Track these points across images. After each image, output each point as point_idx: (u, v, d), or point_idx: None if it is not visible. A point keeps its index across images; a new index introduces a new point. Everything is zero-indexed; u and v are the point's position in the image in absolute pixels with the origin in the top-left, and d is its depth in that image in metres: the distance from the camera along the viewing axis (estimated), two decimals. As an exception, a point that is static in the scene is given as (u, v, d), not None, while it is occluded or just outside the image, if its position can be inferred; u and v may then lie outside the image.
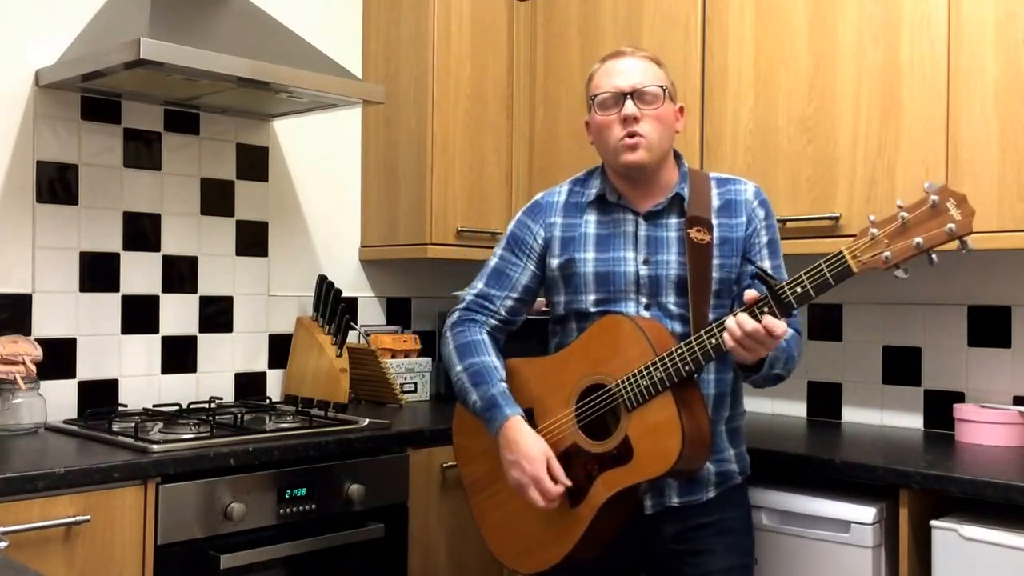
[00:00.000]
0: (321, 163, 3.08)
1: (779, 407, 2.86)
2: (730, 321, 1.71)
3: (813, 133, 2.42)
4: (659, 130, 1.92)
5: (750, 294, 1.72)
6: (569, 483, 1.84)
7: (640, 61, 1.95)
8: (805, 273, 1.69)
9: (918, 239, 1.61)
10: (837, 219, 2.35)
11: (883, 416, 2.66)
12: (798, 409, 2.82)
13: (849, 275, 1.66)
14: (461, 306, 2.06)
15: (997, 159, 2.15)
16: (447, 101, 2.96)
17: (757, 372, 1.82)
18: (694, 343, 1.76)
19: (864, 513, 2.04)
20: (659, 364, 1.78)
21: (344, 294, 2.94)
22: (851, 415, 2.72)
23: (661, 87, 1.93)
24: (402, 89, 3.01)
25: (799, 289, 1.68)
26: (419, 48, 2.96)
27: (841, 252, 1.67)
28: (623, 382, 1.82)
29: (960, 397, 2.51)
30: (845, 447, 2.34)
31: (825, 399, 2.77)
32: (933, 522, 1.97)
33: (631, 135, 1.90)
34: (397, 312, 3.26)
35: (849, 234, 2.14)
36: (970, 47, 2.18)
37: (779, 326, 1.68)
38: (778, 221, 2.40)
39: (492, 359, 1.97)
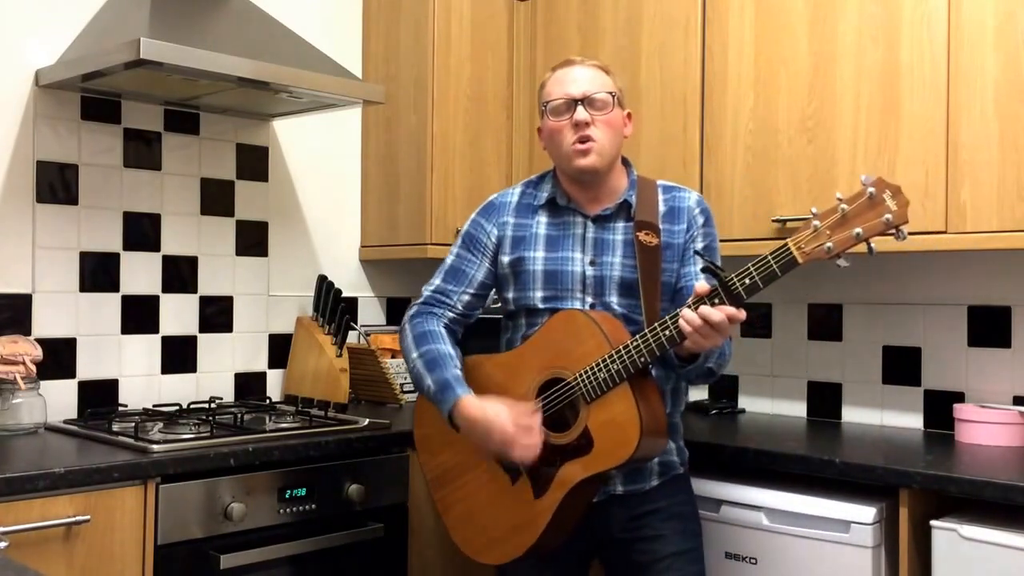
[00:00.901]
0: (321, 163, 3.08)
1: (779, 407, 2.86)
2: (688, 312, 1.77)
3: (813, 133, 2.42)
4: (609, 135, 2.01)
5: (700, 286, 1.79)
6: (539, 423, 1.88)
7: (590, 69, 2.05)
8: (753, 265, 1.76)
9: (858, 230, 1.70)
10: (837, 219, 2.35)
11: (883, 416, 2.66)
12: (798, 409, 2.82)
13: (795, 266, 1.74)
14: (419, 301, 2.14)
15: (997, 159, 2.15)
16: (447, 101, 2.96)
17: (693, 363, 1.89)
18: (649, 335, 1.83)
19: (864, 513, 2.04)
20: (616, 357, 1.84)
21: (344, 294, 2.94)
22: (851, 415, 2.72)
23: (610, 93, 2.02)
24: (402, 89, 3.01)
25: (747, 280, 1.75)
26: (419, 48, 2.96)
27: (786, 244, 1.74)
28: (581, 375, 1.88)
29: (960, 397, 2.51)
30: (845, 447, 2.34)
31: (825, 399, 2.77)
32: (933, 522, 1.97)
33: (583, 140, 1.99)
34: (397, 312, 3.26)
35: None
36: (970, 47, 2.18)
37: (740, 313, 1.76)
38: (778, 221, 2.43)
39: (448, 348, 2.04)
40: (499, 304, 2.18)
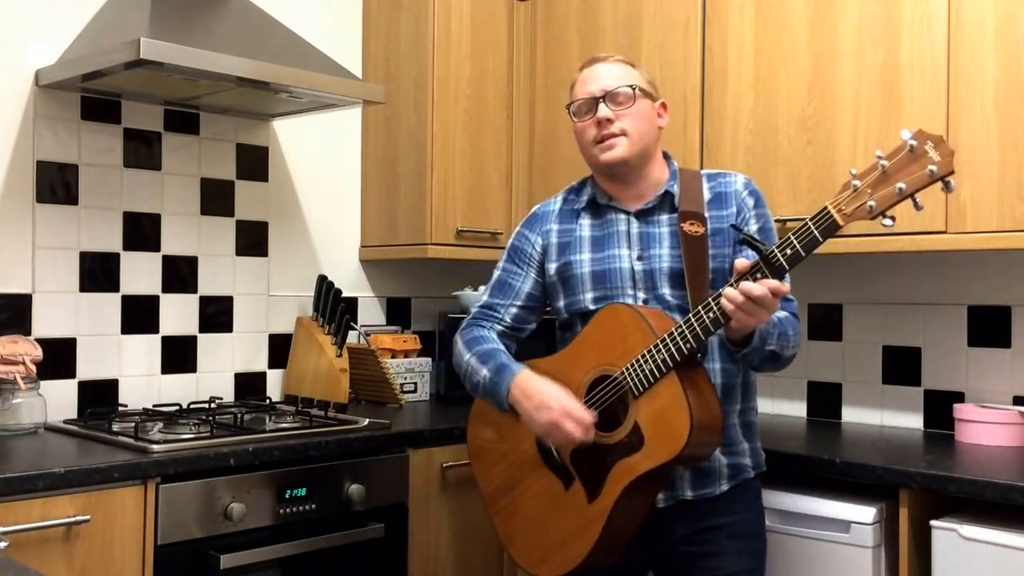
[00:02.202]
0: (321, 163, 3.08)
1: (779, 407, 2.86)
2: (729, 290, 1.70)
3: (813, 133, 2.42)
4: (637, 126, 1.98)
5: (740, 263, 1.73)
6: (591, 418, 1.84)
7: (611, 65, 2.03)
8: (793, 234, 1.69)
9: (900, 184, 1.61)
10: (837, 219, 2.35)
11: (883, 416, 2.66)
12: (798, 409, 2.82)
13: (836, 229, 1.66)
14: (468, 318, 2.13)
15: (997, 159, 2.15)
16: (447, 101, 2.96)
17: (748, 345, 1.80)
18: (693, 319, 1.77)
19: (864, 513, 2.05)
20: (660, 346, 1.78)
21: (344, 294, 2.94)
22: (851, 415, 2.72)
23: (631, 86, 1.98)
24: (402, 89, 3.01)
25: (788, 251, 1.68)
26: (419, 48, 2.96)
27: (826, 207, 1.67)
28: (627, 369, 1.82)
29: (960, 397, 2.51)
30: (845, 447, 2.34)
31: (825, 399, 2.77)
32: (933, 522, 1.97)
33: (605, 137, 1.96)
34: (397, 312, 3.26)
35: (848, 234, 2.14)
36: (970, 47, 2.18)
37: (784, 285, 1.69)
38: (778, 221, 2.43)
39: (500, 347, 2.03)
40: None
